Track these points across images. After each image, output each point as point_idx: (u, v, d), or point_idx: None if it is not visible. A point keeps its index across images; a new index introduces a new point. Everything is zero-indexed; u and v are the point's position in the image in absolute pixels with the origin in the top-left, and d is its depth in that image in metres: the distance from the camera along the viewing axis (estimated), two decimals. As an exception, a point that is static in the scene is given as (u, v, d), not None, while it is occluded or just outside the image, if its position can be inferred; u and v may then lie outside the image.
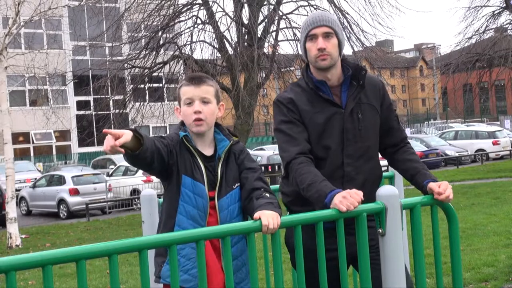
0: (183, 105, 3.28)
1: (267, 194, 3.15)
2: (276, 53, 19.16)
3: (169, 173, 3.19)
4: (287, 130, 3.38)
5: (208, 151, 3.28)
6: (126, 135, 2.80)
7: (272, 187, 4.05)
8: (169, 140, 3.18)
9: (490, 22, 25.87)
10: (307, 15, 18.69)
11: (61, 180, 23.07)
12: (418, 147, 28.88)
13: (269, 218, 2.87)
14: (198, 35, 18.69)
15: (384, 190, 3.13)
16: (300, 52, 14.54)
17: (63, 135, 43.48)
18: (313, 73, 3.48)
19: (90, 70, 23.64)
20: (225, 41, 18.55)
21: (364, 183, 3.41)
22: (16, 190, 19.27)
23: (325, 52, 3.39)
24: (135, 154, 2.91)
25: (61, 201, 22.33)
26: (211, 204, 3.20)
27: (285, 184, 3.51)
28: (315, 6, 18.99)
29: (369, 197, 3.19)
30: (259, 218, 2.88)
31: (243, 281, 3.22)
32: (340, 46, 3.45)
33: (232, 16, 18.40)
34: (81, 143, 39.13)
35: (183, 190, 3.18)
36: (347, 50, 24.04)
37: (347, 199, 3.04)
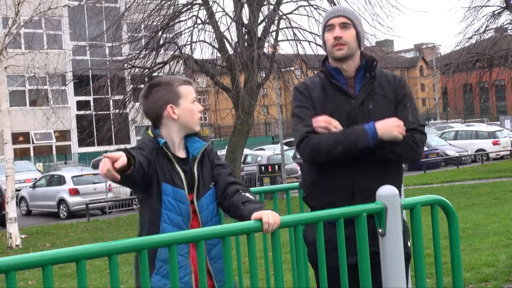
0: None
1: (247, 194, 3.18)
2: (276, 53, 19.15)
3: (148, 183, 3.15)
4: (299, 113, 3.43)
5: (182, 154, 3.28)
6: (123, 158, 2.80)
7: (273, 187, 4.04)
8: (147, 150, 3.15)
9: (490, 22, 25.88)
10: (307, 15, 18.83)
11: (61, 180, 23.07)
12: (418, 147, 28.83)
13: (269, 216, 2.90)
14: (198, 35, 18.69)
15: (384, 190, 3.14)
16: (301, 52, 14.28)
17: (63, 135, 43.46)
18: (331, 63, 3.52)
19: (90, 70, 23.63)
20: (225, 41, 18.55)
21: (376, 169, 3.40)
22: (16, 190, 19.26)
23: (342, 41, 3.41)
24: (127, 174, 2.89)
25: (61, 201, 22.32)
26: (191, 208, 3.18)
27: (303, 177, 3.56)
28: (315, 6, 18.99)
29: (384, 179, 3.28)
30: (259, 219, 2.90)
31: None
32: (358, 37, 3.47)
33: (232, 16, 18.39)
34: (81, 143, 39.13)
35: (165, 198, 3.14)
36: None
37: (401, 127, 3.28)
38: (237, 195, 3.18)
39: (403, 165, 3.63)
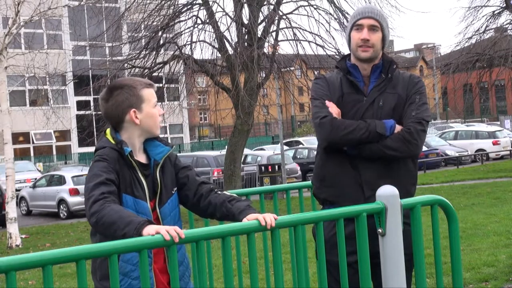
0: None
1: (226, 192, 3.18)
2: (276, 53, 19.14)
3: None
4: (320, 97, 3.50)
5: (143, 158, 3.21)
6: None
7: (273, 187, 4.04)
8: (111, 169, 3.02)
9: (490, 22, 25.85)
10: (307, 15, 18.81)
11: (61, 180, 23.07)
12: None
13: (265, 216, 2.90)
14: (198, 35, 18.69)
15: (384, 190, 3.14)
16: (301, 52, 14.34)
17: (63, 135, 43.44)
18: (352, 61, 3.56)
19: (90, 70, 23.64)
20: (225, 41, 18.54)
21: (380, 165, 3.45)
22: (16, 190, 19.25)
23: (369, 44, 3.46)
24: None
25: (61, 201, 22.32)
26: (153, 216, 3.11)
27: (314, 171, 3.62)
28: (315, 6, 18.98)
29: (390, 176, 3.38)
30: (255, 219, 2.90)
31: (187, 285, 3.23)
32: (384, 41, 3.52)
33: (232, 16, 18.38)
34: (81, 143, 39.05)
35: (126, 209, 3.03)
36: (346, 51, 23.99)
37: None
38: (214, 194, 3.17)
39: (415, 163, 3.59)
